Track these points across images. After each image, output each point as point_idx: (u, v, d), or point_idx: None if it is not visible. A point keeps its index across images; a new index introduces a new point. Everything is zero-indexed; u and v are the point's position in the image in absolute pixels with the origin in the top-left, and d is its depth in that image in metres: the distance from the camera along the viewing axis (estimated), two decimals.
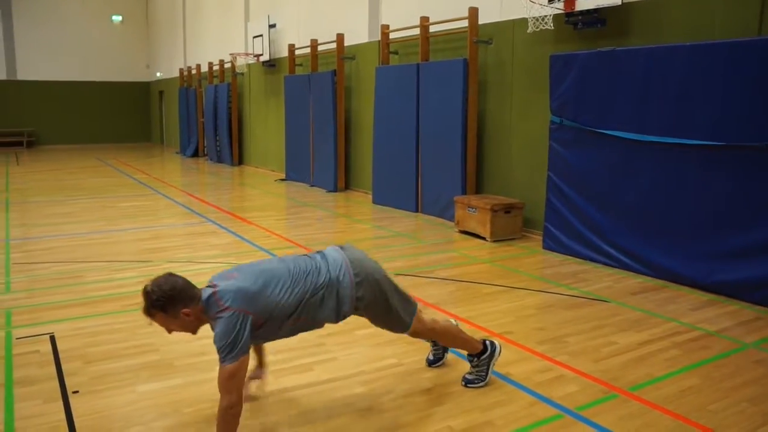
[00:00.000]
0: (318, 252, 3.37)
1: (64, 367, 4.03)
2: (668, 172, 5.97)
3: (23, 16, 25.06)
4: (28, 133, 25.33)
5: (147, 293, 2.91)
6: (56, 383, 3.80)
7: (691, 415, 3.41)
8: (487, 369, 3.76)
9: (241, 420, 3.22)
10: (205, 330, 4.62)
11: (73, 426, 3.29)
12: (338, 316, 3.24)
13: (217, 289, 2.94)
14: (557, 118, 7.01)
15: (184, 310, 2.93)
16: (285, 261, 3.23)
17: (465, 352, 3.83)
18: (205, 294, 2.96)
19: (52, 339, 4.51)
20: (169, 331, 3.04)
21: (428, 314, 3.90)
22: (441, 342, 3.81)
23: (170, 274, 3.00)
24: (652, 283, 5.95)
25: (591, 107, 6.65)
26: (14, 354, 4.25)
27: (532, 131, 7.98)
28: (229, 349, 2.84)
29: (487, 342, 3.79)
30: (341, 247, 3.38)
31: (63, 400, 3.58)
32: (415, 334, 3.59)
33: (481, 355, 3.75)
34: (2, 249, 7.40)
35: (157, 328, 4.65)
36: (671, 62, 5.87)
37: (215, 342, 2.89)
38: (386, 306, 3.35)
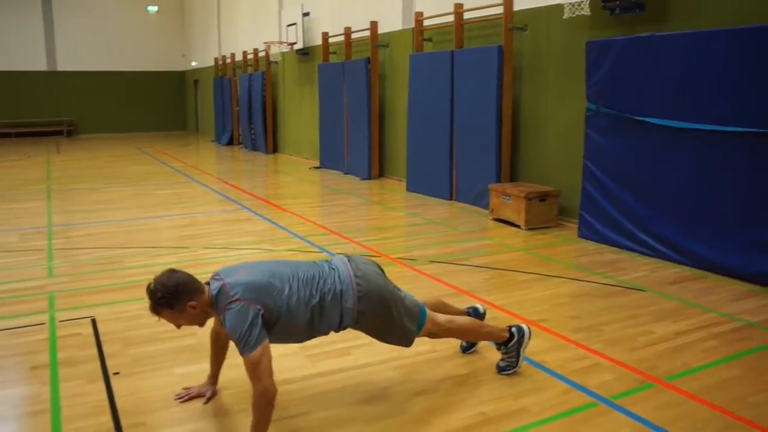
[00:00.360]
0: (326, 261, 3.37)
1: (104, 349, 4.14)
2: (707, 159, 5.86)
3: (62, 9, 25.49)
4: (67, 123, 25.83)
5: (152, 292, 2.92)
6: (98, 364, 3.90)
7: (731, 406, 3.36)
8: (518, 355, 3.74)
9: (278, 403, 3.27)
10: None
11: (115, 406, 3.38)
12: (339, 327, 3.24)
13: (226, 282, 2.96)
14: (593, 105, 6.93)
15: (191, 303, 2.96)
16: (292, 265, 3.23)
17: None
18: (214, 286, 2.99)
19: (94, 322, 4.62)
20: (178, 326, 3.07)
21: (450, 310, 3.88)
22: (463, 339, 3.79)
23: (172, 270, 3.03)
24: (690, 272, 5.87)
25: (628, 94, 6.55)
26: (58, 336, 4.37)
27: (567, 118, 7.89)
28: (246, 339, 2.85)
29: (513, 329, 3.76)
30: (348, 259, 3.36)
31: (105, 381, 3.67)
32: (432, 336, 3.56)
33: (508, 343, 3.75)
34: (45, 235, 7.58)
35: None
36: (711, 47, 5.74)
37: (231, 335, 2.89)
38: (389, 318, 3.31)
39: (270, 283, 3.01)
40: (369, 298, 3.23)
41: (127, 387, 3.60)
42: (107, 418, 3.25)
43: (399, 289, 3.45)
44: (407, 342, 3.46)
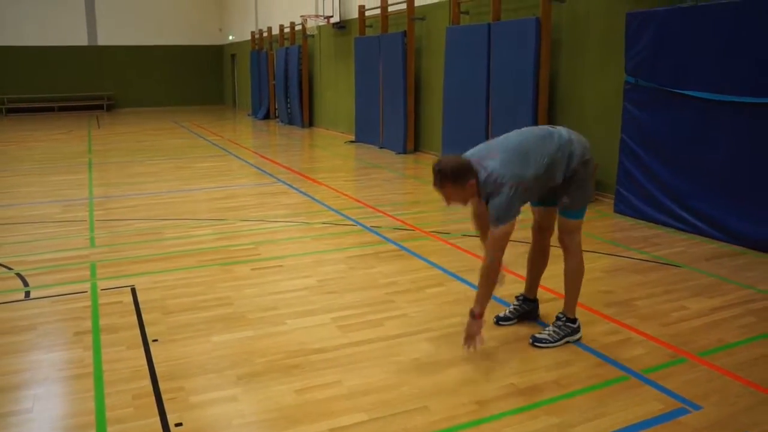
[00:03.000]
0: (552, 127, 3.71)
1: (144, 317, 4.26)
2: (750, 134, 5.73)
3: None
4: (107, 97, 26.22)
5: (439, 170, 3.39)
6: (137, 332, 4.02)
7: (765, 382, 3.33)
8: (563, 337, 3.78)
9: (311, 372, 3.37)
10: (276, 285, 4.79)
11: (154, 371, 3.49)
12: (565, 172, 3.56)
13: (490, 170, 3.37)
14: (632, 78, 6.80)
15: (470, 182, 3.39)
16: (529, 131, 3.62)
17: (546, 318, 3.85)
18: (481, 174, 3.39)
19: (133, 291, 4.75)
20: (449, 201, 3.48)
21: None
22: (567, 270, 3.83)
23: (455, 155, 3.49)
24: (728, 249, 5.78)
25: (669, 67, 6.41)
26: (100, 304, 4.50)
27: (605, 92, 7.77)
28: (505, 214, 3.34)
29: (579, 321, 3.86)
30: (568, 130, 3.70)
31: (144, 347, 3.79)
32: (569, 236, 3.74)
33: (570, 321, 3.81)
34: (87, 207, 7.77)
35: (231, 284, 4.86)
36: (757, 17, 5.58)
37: (493, 209, 3.37)
38: (591, 182, 3.73)
39: (525, 160, 3.42)
40: (585, 159, 3.59)
41: (165, 353, 3.70)
42: (147, 383, 3.36)
43: None
44: (584, 208, 3.73)
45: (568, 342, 3.79)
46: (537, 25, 8.40)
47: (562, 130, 3.63)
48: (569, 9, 8.29)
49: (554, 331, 3.79)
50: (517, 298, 4.17)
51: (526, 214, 3.94)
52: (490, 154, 3.46)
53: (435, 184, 3.44)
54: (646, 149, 6.72)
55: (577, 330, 3.83)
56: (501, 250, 3.44)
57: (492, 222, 3.39)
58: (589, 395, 3.23)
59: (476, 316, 3.48)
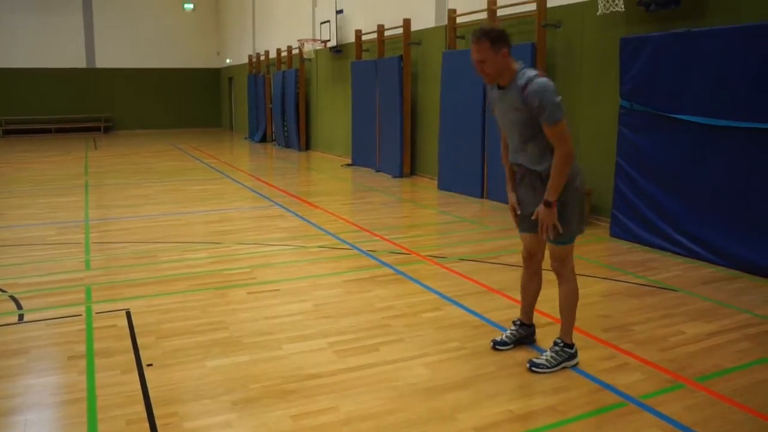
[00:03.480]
0: None
1: (139, 341, 4.23)
2: (745, 158, 5.76)
3: (102, 7, 25.94)
4: (105, 119, 26.29)
5: (481, 28, 3.58)
6: (132, 356, 3.99)
7: (765, 409, 3.31)
8: (560, 363, 3.77)
9: (307, 398, 3.34)
10: (272, 309, 4.76)
11: (148, 396, 3.45)
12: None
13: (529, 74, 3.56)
14: (627, 103, 6.85)
15: (505, 49, 3.55)
16: None
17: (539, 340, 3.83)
18: (518, 67, 3.60)
19: (128, 314, 4.72)
20: (479, 64, 3.60)
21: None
22: (561, 295, 3.81)
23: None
24: (725, 273, 5.78)
25: (663, 91, 6.46)
26: (94, 327, 4.47)
27: (600, 116, 7.81)
28: (558, 106, 3.49)
29: (576, 347, 3.85)
30: None
31: (138, 372, 3.76)
32: (560, 263, 3.74)
33: (567, 347, 3.80)
34: (82, 229, 7.75)
35: (226, 308, 4.83)
36: (750, 43, 5.64)
37: (541, 102, 3.47)
38: (583, 208, 3.78)
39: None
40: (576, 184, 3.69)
41: (160, 378, 3.67)
42: (140, 408, 3.33)
43: None
44: (574, 234, 3.74)
45: (565, 367, 3.77)
46: (532, 50, 8.48)
47: None
48: (564, 34, 8.37)
49: (552, 357, 3.77)
50: (514, 323, 4.16)
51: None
52: None
53: (474, 41, 3.57)
54: (642, 173, 6.74)
55: (574, 355, 3.81)
56: (568, 141, 3.53)
57: (549, 120, 3.48)
58: (587, 421, 3.20)
59: (552, 205, 3.57)
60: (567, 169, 3.55)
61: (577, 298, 3.82)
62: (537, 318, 4.25)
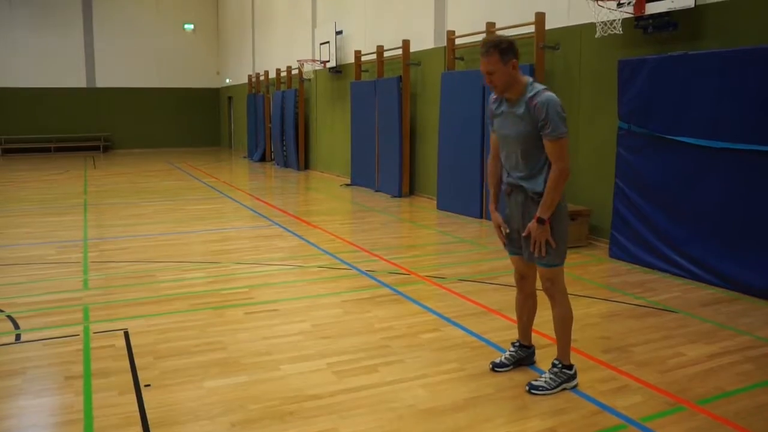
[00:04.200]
0: None
1: (137, 361, 4.20)
2: (743, 180, 5.78)
3: (102, 27, 26.11)
4: (104, 138, 26.34)
5: (490, 39, 3.57)
6: (130, 376, 3.96)
7: None
8: (560, 384, 3.75)
9: (306, 419, 3.32)
10: (271, 329, 4.75)
11: (146, 417, 3.43)
12: None
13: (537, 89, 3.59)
14: (625, 125, 6.88)
15: (514, 60, 3.57)
16: None
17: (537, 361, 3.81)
18: (528, 80, 3.64)
19: (126, 334, 4.70)
20: (488, 76, 3.61)
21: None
22: (555, 317, 3.79)
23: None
24: (725, 294, 5.77)
25: (661, 113, 6.50)
26: (92, 347, 4.45)
27: (599, 137, 7.85)
28: (563, 122, 3.52)
29: (575, 367, 3.83)
30: None
31: (136, 393, 3.73)
32: (551, 284, 3.73)
33: (566, 368, 3.78)
34: (81, 248, 7.74)
35: (224, 328, 4.81)
36: (747, 66, 5.68)
37: (547, 114, 3.50)
38: (567, 228, 3.77)
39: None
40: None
41: (157, 399, 3.65)
42: (138, 429, 3.30)
43: None
44: (563, 256, 3.76)
45: (565, 389, 3.75)
46: (531, 71, 8.52)
47: None
48: (562, 56, 8.43)
49: (551, 379, 3.75)
50: (513, 344, 4.14)
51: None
52: None
53: (483, 53, 3.58)
54: (641, 194, 6.76)
55: (573, 376, 3.80)
56: (566, 159, 3.57)
57: (552, 133, 3.51)
58: None
59: (545, 222, 3.59)
60: (562, 186, 3.59)
61: (571, 319, 3.82)
62: (536, 339, 4.24)
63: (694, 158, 6.19)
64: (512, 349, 4.11)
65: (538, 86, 3.61)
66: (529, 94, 3.58)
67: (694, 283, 6.11)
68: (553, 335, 3.91)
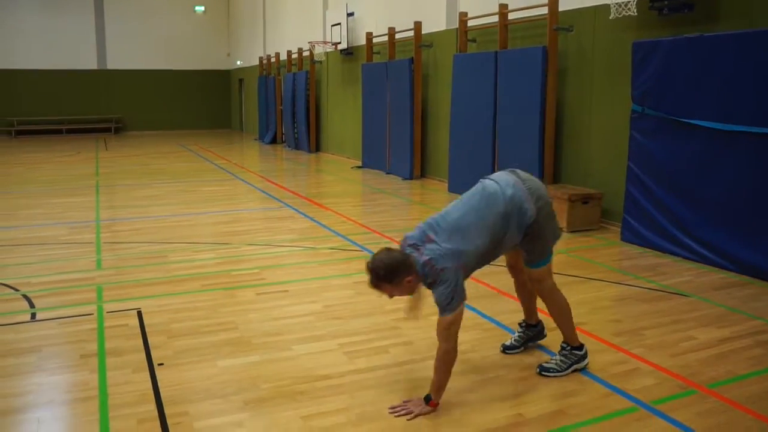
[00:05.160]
0: (488, 178, 3.58)
1: (150, 340, 4.24)
2: (758, 163, 5.72)
3: (113, 9, 26.09)
4: (116, 120, 26.42)
5: (372, 269, 3.23)
6: (143, 355, 4.00)
7: None
8: (570, 366, 3.75)
9: (318, 399, 3.35)
10: (282, 310, 4.78)
11: (159, 395, 3.47)
12: (520, 230, 3.45)
13: (428, 257, 3.22)
14: (639, 107, 6.83)
15: (408, 278, 3.23)
16: (467, 204, 3.43)
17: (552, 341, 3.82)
18: (419, 261, 3.24)
19: (139, 314, 4.74)
20: (391, 296, 3.35)
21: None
22: (552, 312, 3.78)
23: (388, 249, 3.31)
24: (737, 278, 5.74)
25: (675, 96, 6.44)
26: (105, 326, 4.50)
27: (612, 120, 7.80)
28: (449, 302, 3.20)
29: (585, 347, 3.82)
30: (512, 171, 3.62)
31: (149, 371, 3.77)
32: (538, 284, 3.69)
33: (576, 349, 3.78)
34: (93, 229, 7.79)
35: (236, 308, 4.85)
36: (764, 48, 5.61)
37: (437, 298, 3.23)
38: (552, 225, 3.62)
39: (462, 241, 3.26)
40: (540, 196, 3.50)
41: (170, 377, 3.69)
42: (152, 407, 3.34)
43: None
44: (548, 254, 3.65)
45: (576, 369, 3.76)
46: (544, 53, 8.46)
47: (506, 188, 3.43)
48: (576, 38, 8.35)
49: (561, 361, 3.76)
50: (519, 325, 4.14)
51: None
52: (427, 237, 3.29)
53: (371, 284, 3.27)
54: (653, 178, 6.72)
55: (584, 357, 3.80)
56: (451, 340, 3.25)
57: (440, 311, 3.25)
58: (598, 426, 3.19)
59: (431, 404, 3.30)
60: (449, 367, 3.28)
61: (568, 309, 3.77)
62: (547, 322, 4.24)
63: (708, 141, 6.14)
64: (519, 330, 4.12)
65: (432, 261, 3.20)
66: (428, 281, 3.26)
67: (705, 267, 6.09)
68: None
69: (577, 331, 3.85)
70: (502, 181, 3.49)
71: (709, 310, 4.91)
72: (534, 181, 3.58)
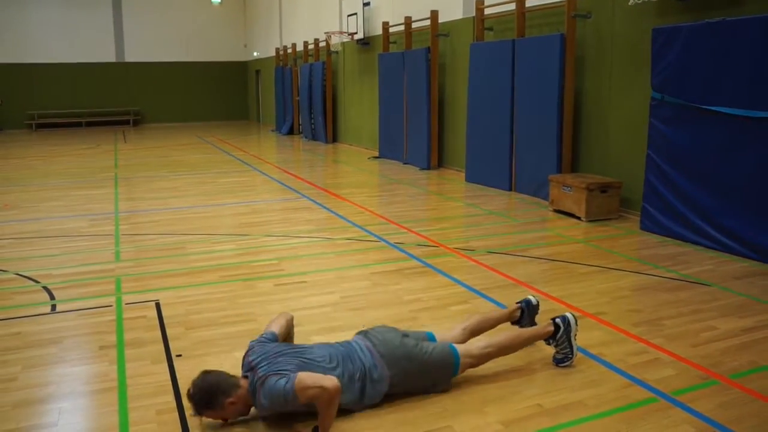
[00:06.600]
0: (345, 342, 3.45)
1: (168, 332, 4.27)
2: None
3: (131, 3, 26.22)
4: (134, 112, 26.61)
5: (191, 397, 3.03)
6: (161, 346, 4.03)
7: None
8: (570, 345, 3.69)
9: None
10: (300, 301, 4.77)
11: (178, 386, 3.48)
12: (363, 399, 3.24)
13: (261, 375, 3.07)
14: (658, 95, 6.74)
15: (228, 400, 3.04)
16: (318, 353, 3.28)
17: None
18: (251, 382, 3.09)
19: (158, 305, 4.77)
20: (225, 420, 3.12)
21: (489, 321, 3.92)
22: (506, 355, 3.69)
23: (205, 372, 3.13)
24: (759, 267, 5.66)
25: (696, 82, 6.34)
26: (124, 318, 4.53)
27: (631, 108, 7.71)
28: (283, 388, 2.97)
29: (558, 320, 3.71)
30: (364, 334, 3.48)
31: (168, 362, 3.79)
32: (474, 366, 3.54)
33: (556, 335, 3.70)
34: (112, 221, 7.85)
35: (254, 299, 4.86)
36: None
37: (271, 403, 3.02)
38: (423, 368, 3.36)
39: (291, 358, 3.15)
40: (396, 362, 3.31)
41: (189, 369, 3.69)
42: (170, 398, 3.36)
43: (424, 341, 3.53)
44: (447, 384, 3.46)
45: (575, 336, 3.68)
46: (561, 41, 8.38)
47: (364, 352, 3.33)
48: (594, 25, 8.25)
49: (561, 349, 3.70)
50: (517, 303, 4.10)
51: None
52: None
53: (197, 416, 3.07)
54: (673, 165, 6.64)
55: (567, 325, 3.66)
56: (315, 387, 2.95)
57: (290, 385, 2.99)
58: (618, 416, 3.16)
59: None
60: (332, 408, 2.99)
61: (509, 342, 3.63)
62: (561, 310, 4.21)
63: (729, 128, 6.05)
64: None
65: (260, 372, 3.09)
66: (257, 397, 3.08)
67: (726, 255, 6.01)
68: (578, 306, 3.81)
69: (592, 320, 3.79)
70: (355, 345, 3.39)
71: (731, 299, 4.85)
72: (386, 339, 3.41)
